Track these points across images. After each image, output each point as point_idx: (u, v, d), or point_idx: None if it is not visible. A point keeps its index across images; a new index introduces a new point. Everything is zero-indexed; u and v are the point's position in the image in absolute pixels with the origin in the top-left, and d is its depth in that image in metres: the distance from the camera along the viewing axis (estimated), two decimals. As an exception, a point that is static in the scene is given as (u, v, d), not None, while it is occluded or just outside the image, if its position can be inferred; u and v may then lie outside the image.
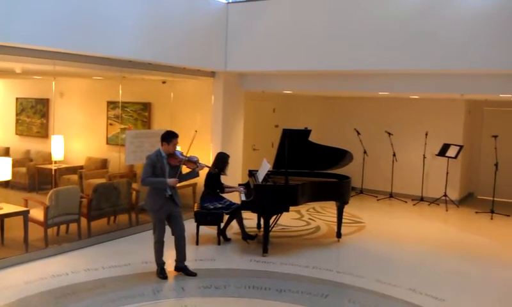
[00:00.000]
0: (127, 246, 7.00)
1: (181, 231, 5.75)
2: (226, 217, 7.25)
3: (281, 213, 7.01)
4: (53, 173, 8.01)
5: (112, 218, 7.79)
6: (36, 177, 9.70)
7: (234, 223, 7.35)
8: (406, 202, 10.82)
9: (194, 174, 5.86)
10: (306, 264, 6.38)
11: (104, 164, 9.89)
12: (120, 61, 7.07)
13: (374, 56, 7.33)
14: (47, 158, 9.90)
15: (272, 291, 5.43)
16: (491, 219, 9.43)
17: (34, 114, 11.18)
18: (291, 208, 6.75)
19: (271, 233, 6.92)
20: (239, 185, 7.84)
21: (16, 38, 5.50)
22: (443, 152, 10.34)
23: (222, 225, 7.21)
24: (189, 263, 5.90)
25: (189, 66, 8.23)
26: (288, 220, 8.52)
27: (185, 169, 5.79)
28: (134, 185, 8.03)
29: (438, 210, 10.18)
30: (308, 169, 7.59)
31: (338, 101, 12.21)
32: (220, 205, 7.12)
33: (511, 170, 10.57)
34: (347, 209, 7.78)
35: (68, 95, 10.29)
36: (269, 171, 7.12)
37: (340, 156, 7.55)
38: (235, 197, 7.49)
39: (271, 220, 6.85)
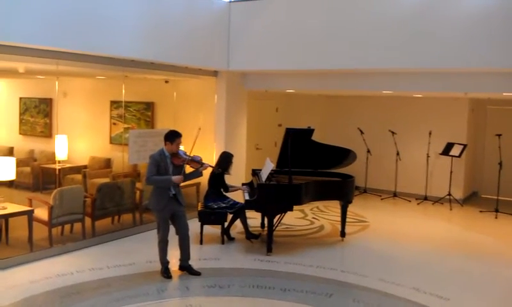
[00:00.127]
0: (131, 245, 7.01)
1: (185, 230, 5.76)
2: (230, 216, 7.25)
3: (285, 212, 7.01)
4: (57, 172, 8.02)
5: (116, 217, 7.80)
6: (40, 177, 9.73)
7: (238, 222, 7.35)
8: (409, 201, 10.80)
9: (197, 173, 5.86)
10: (310, 263, 6.38)
11: (107, 163, 9.91)
12: (122, 60, 7.08)
13: (375, 55, 7.35)
14: (51, 157, 9.94)
15: (277, 290, 5.43)
16: (496, 217, 9.40)
17: (38, 114, 11.21)
18: (295, 207, 6.74)
19: (274, 232, 6.92)
20: (243, 184, 7.84)
21: (16, 38, 5.51)
22: (447, 151, 10.32)
23: (226, 224, 7.22)
24: (193, 263, 5.91)
25: (192, 65, 8.23)
26: (292, 219, 8.51)
27: (188, 169, 5.79)
28: (138, 185, 8.03)
29: (442, 209, 10.16)
30: (312, 168, 7.58)
31: (341, 100, 12.19)
32: (224, 204, 7.13)
33: (515, 169, 10.54)
34: (351, 208, 7.78)
35: (71, 95, 10.32)
36: (272, 170, 7.12)
37: (344, 155, 7.54)
38: (239, 197, 7.49)
39: (275, 220, 6.85)
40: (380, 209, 10.12)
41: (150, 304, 4.98)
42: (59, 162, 8.80)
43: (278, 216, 7.10)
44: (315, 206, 9.70)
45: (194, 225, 6.82)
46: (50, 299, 5.05)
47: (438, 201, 10.60)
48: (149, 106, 9.81)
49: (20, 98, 11.58)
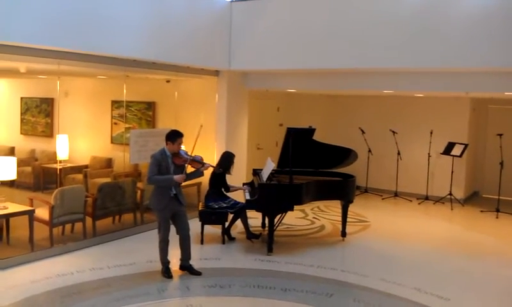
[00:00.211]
0: (131, 245, 7.01)
1: (186, 230, 5.76)
2: (230, 216, 7.25)
3: (285, 212, 7.01)
4: (58, 172, 8.03)
5: (117, 217, 7.81)
6: (41, 176, 9.73)
7: (239, 222, 7.35)
8: (411, 201, 10.79)
9: (198, 173, 5.86)
10: (311, 263, 6.38)
11: (108, 163, 9.92)
12: (124, 60, 7.08)
13: (376, 54, 7.35)
14: (52, 157, 9.95)
15: (277, 290, 5.43)
16: (497, 217, 9.39)
17: (39, 114, 11.23)
18: (296, 207, 6.73)
19: (275, 232, 6.91)
20: (243, 184, 7.84)
21: (17, 38, 5.51)
22: (448, 151, 10.31)
23: (226, 224, 7.22)
24: (194, 262, 5.91)
25: (193, 65, 8.23)
26: (293, 219, 8.51)
27: (189, 169, 5.79)
28: (139, 184, 8.04)
29: (443, 209, 10.15)
30: (313, 167, 7.58)
31: (342, 99, 12.18)
32: (225, 204, 7.13)
33: (517, 168, 10.53)
34: (351, 208, 7.77)
35: (72, 94, 10.32)
36: (273, 169, 7.12)
37: (345, 155, 7.54)
38: (240, 197, 7.49)
39: (276, 219, 6.84)
40: (381, 209, 10.11)
41: (151, 304, 4.98)
42: (60, 161, 8.81)
43: (279, 216, 7.10)
44: (315, 206, 9.70)
45: (194, 225, 6.82)
46: (50, 298, 5.05)
47: (439, 200, 10.58)
48: (150, 106, 9.81)
49: (21, 98, 11.60)
